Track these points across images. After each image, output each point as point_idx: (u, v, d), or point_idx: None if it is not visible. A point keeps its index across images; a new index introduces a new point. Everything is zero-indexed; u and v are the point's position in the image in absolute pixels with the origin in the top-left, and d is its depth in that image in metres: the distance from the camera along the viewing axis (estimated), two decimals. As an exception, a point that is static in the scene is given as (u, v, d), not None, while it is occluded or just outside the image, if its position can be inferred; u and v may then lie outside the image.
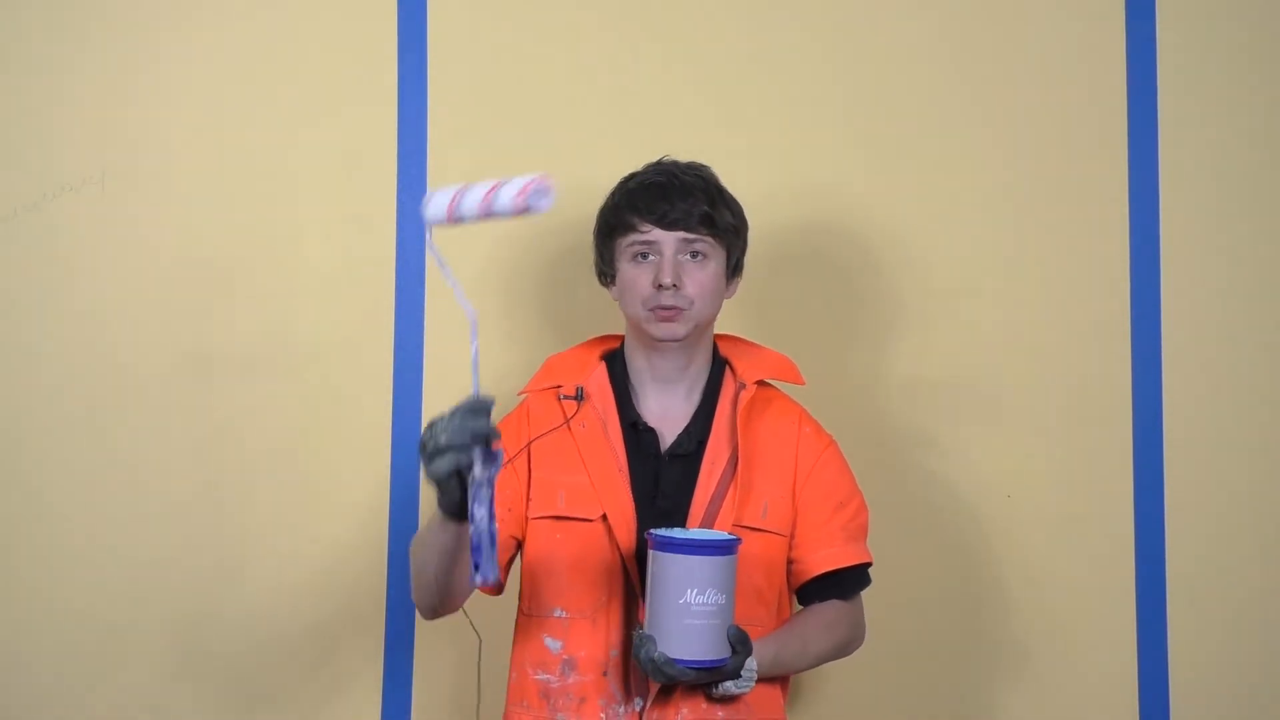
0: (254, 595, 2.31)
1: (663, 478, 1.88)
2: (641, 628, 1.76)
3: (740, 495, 1.86)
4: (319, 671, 2.32)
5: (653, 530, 1.75)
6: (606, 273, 1.94)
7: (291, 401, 2.34)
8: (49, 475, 2.33)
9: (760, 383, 1.94)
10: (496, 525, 1.56)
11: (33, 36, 2.38)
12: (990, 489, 2.36)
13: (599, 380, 1.93)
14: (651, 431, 1.90)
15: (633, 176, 1.93)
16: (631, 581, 1.84)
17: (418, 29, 2.38)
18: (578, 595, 1.85)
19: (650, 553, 1.72)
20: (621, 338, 1.98)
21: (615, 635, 1.83)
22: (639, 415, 1.91)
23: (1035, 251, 2.38)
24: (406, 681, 2.31)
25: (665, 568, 1.70)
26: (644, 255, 1.86)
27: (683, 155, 2.36)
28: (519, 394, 1.96)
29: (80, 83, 2.36)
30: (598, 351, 1.97)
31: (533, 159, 2.34)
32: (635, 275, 1.87)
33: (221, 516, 2.33)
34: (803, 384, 1.98)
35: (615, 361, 1.95)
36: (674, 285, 1.84)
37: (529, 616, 1.89)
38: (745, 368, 1.94)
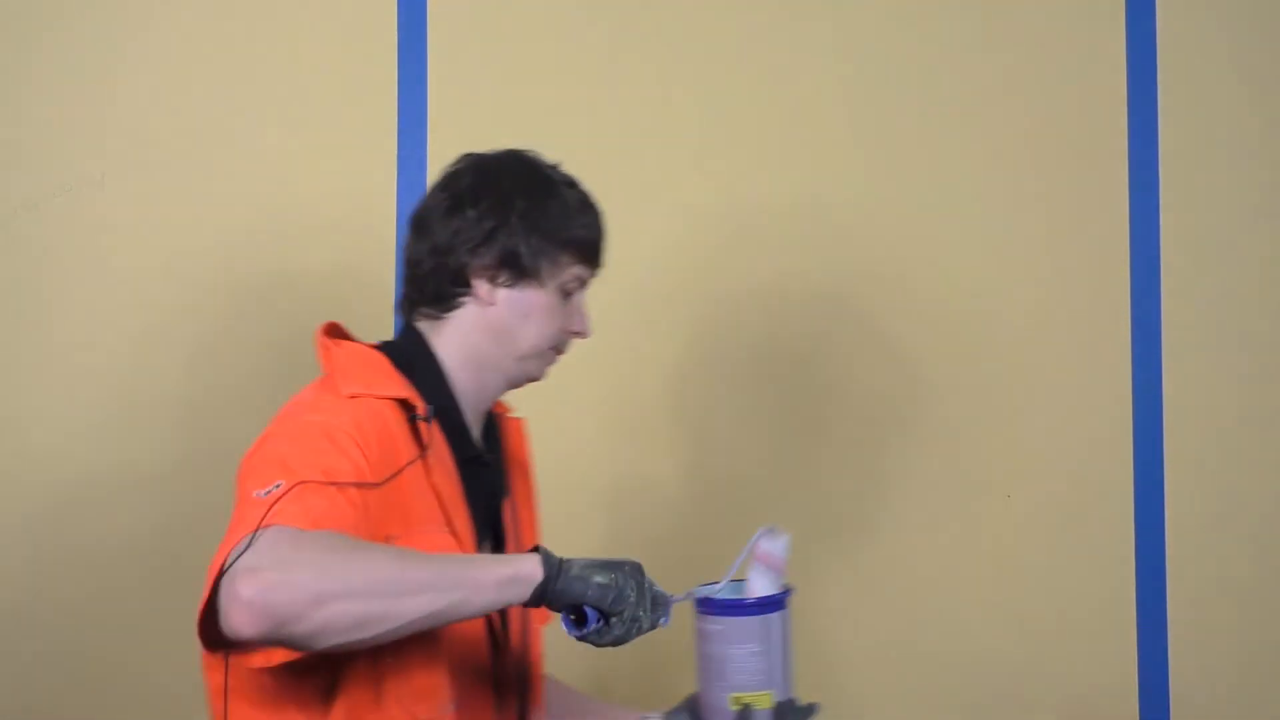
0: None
1: (499, 522, 1.64)
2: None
3: (532, 522, 1.71)
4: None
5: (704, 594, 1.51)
6: (528, 272, 1.58)
7: (291, 402, 2.34)
8: (49, 476, 2.33)
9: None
10: None
11: (33, 37, 2.38)
12: (990, 489, 2.36)
13: (420, 399, 1.54)
14: (488, 466, 1.61)
15: (589, 204, 1.68)
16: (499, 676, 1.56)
17: (418, 29, 2.38)
18: (462, 695, 1.50)
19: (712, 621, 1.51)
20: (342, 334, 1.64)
21: None
22: (476, 447, 1.60)
23: (1035, 251, 2.38)
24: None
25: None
26: (570, 295, 1.62)
27: (683, 155, 2.38)
28: (350, 395, 1.51)
29: (80, 83, 2.36)
30: (385, 356, 1.58)
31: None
32: (557, 310, 1.60)
33: (224, 518, 2.32)
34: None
35: (409, 374, 1.57)
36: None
37: None
38: None
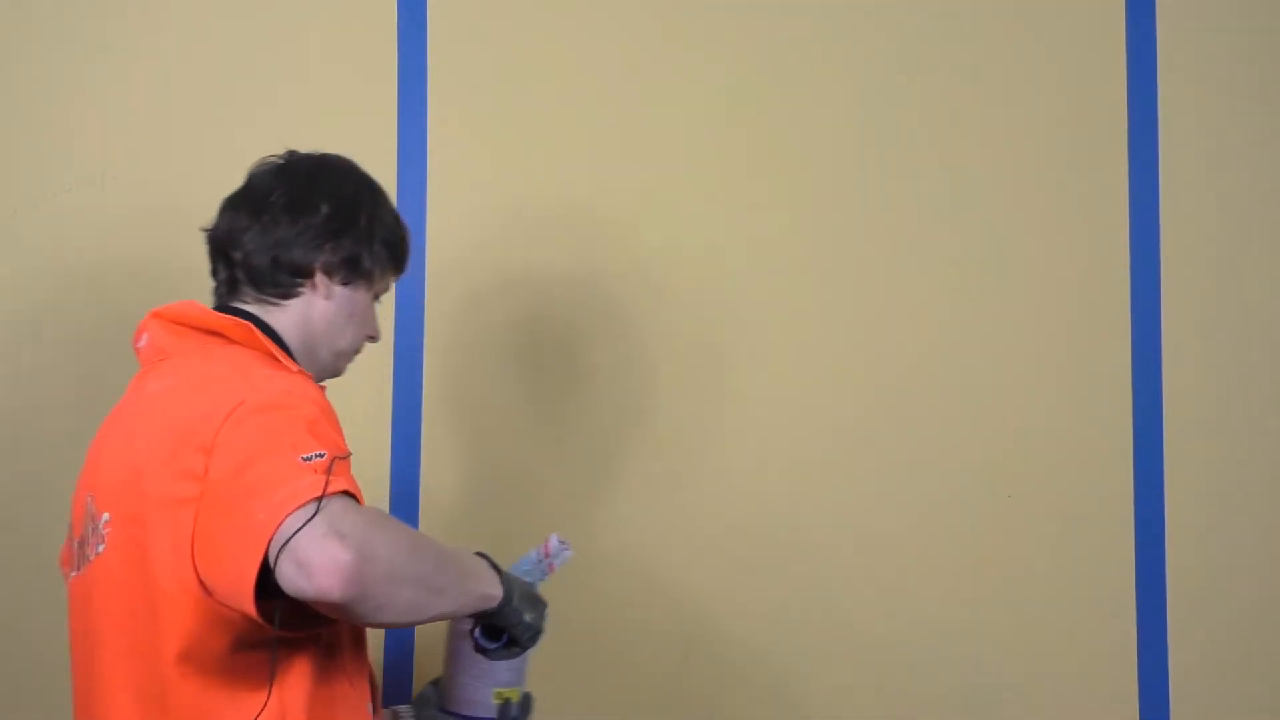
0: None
1: None
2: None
3: None
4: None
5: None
6: (363, 274, 1.67)
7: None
8: (50, 476, 2.32)
9: None
10: None
11: (33, 37, 2.38)
12: (990, 489, 2.36)
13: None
14: None
15: (399, 219, 1.76)
16: None
17: (418, 30, 2.38)
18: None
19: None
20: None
21: None
22: None
23: (1035, 251, 2.38)
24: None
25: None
26: (377, 299, 1.74)
27: (682, 154, 2.38)
28: (298, 370, 1.61)
29: (80, 82, 2.36)
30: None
31: (533, 158, 2.37)
32: (370, 312, 1.71)
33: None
34: None
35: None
36: None
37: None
38: None
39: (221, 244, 1.66)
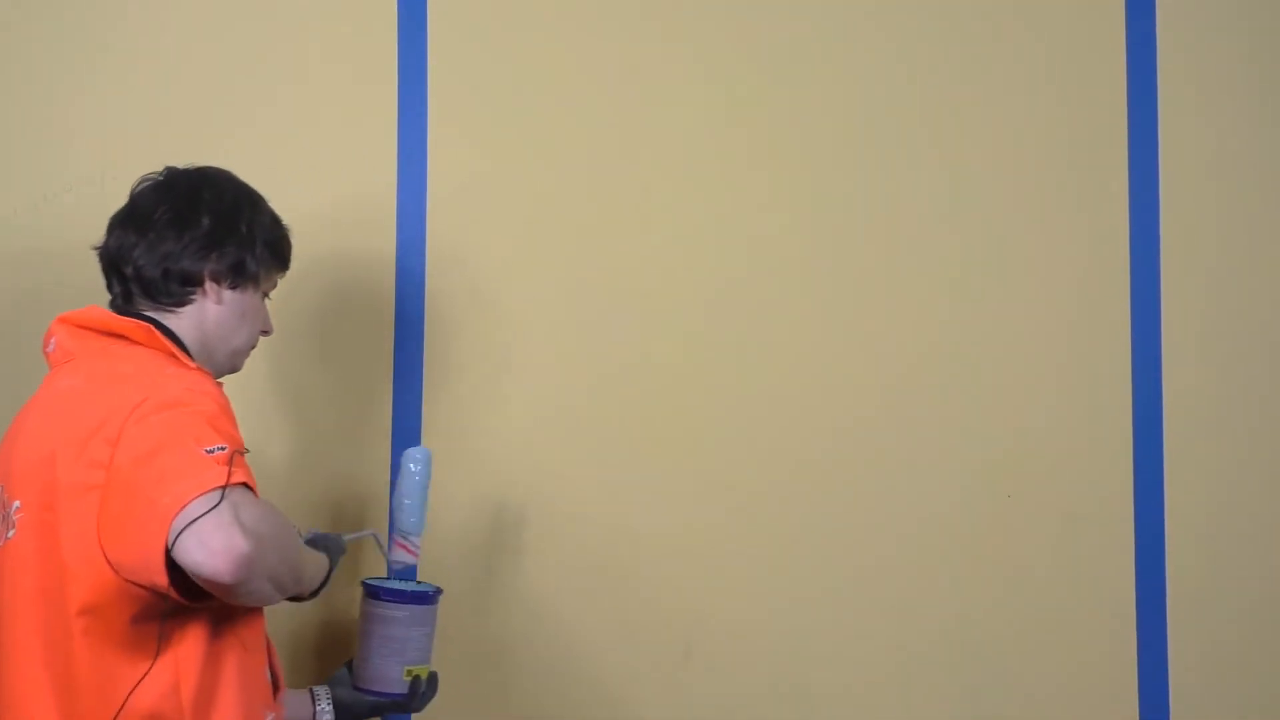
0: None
1: None
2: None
3: None
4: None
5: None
6: (249, 278, 1.81)
7: (288, 407, 2.34)
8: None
9: None
10: None
11: (33, 37, 2.37)
12: (990, 489, 2.36)
13: None
14: None
15: (279, 217, 1.90)
16: None
17: (418, 30, 2.38)
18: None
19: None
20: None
21: None
22: None
23: (1035, 251, 2.38)
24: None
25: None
26: (266, 297, 1.88)
27: (682, 154, 2.37)
28: (196, 368, 1.74)
29: (80, 82, 2.36)
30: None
31: (533, 158, 2.36)
32: (260, 310, 1.86)
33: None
34: None
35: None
36: None
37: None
38: None
39: (114, 260, 1.82)
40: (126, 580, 1.56)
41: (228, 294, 1.80)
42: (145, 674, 1.60)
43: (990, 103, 2.39)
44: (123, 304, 1.80)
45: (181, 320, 1.78)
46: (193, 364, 1.73)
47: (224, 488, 1.51)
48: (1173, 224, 2.37)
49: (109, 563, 1.56)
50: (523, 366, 2.35)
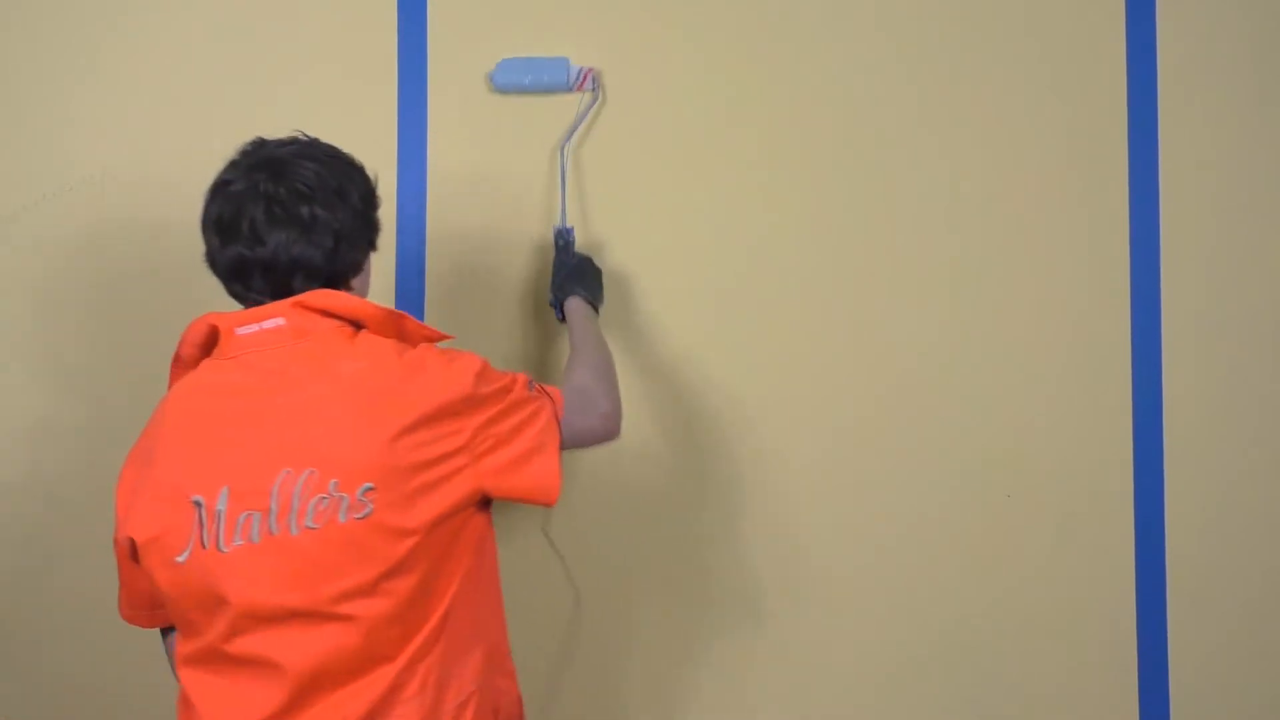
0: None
1: None
2: None
3: None
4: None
5: None
6: (373, 243, 1.85)
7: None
8: (54, 477, 2.32)
9: None
10: None
11: (32, 37, 2.37)
12: (990, 489, 2.36)
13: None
14: None
15: None
16: None
17: (418, 30, 2.38)
18: None
19: None
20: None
21: None
22: None
23: (1035, 250, 2.38)
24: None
25: None
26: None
27: (679, 152, 2.37)
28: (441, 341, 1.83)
29: (80, 82, 2.36)
30: None
31: (533, 158, 2.36)
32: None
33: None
34: None
35: None
36: None
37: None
38: None
39: (324, 233, 1.76)
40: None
41: (365, 267, 1.86)
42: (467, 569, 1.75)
43: (990, 103, 2.39)
44: (327, 275, 1.78)
45: (355, 291, 1.83)
46: (440, 335, 1.84)
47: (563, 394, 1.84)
48: (1173, 223, 2.38)
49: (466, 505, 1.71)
50: (522, 366, 2.35)
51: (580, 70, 2.34)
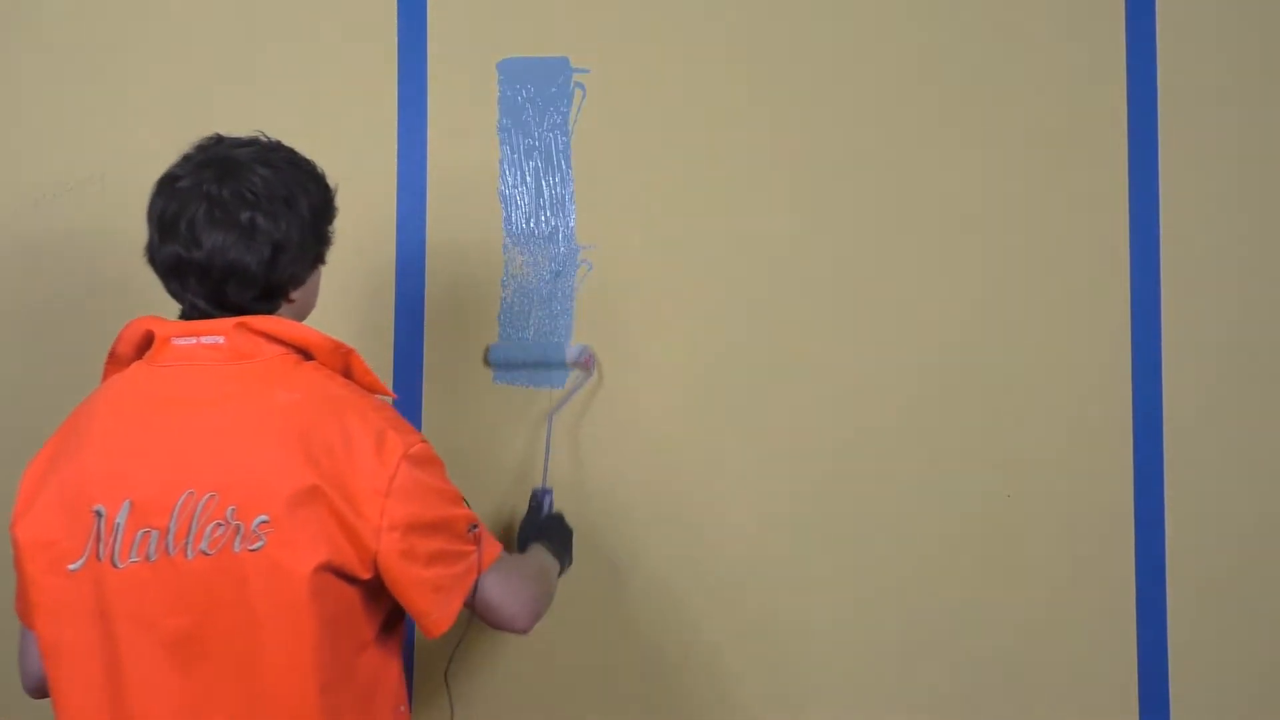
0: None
1: None
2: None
3: None
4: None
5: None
6: (321, 257, 1.77)
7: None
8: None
9: None
10: None
11: (32, 37, 2.38)
12: (990, 489, 2.36)
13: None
14: None
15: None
16: None
17: (418, 30, 2.38)
18: None
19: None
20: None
21: None
22: None
23: (1035, 251, 2.38)
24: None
25: None
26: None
27: (678, 150, 2.37)
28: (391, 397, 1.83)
29: (80, 82, 2.36)
30: None
31: (533, 158, 2.36)
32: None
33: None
34: None
35: None
36: None
37: None
38: None
39: (267, 244, 1.68)
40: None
41: (313, 276, 1.81)
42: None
43: (989, 103, 2.39)
44: (272, 295, 1.72)
45: (290, 312, 1.76)
46: (386, 393, 1.78)
47: (496, 561, 1.76)
48: (1173, 224, 2.37)
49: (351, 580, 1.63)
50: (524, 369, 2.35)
51: (582, 349, 2.33)
